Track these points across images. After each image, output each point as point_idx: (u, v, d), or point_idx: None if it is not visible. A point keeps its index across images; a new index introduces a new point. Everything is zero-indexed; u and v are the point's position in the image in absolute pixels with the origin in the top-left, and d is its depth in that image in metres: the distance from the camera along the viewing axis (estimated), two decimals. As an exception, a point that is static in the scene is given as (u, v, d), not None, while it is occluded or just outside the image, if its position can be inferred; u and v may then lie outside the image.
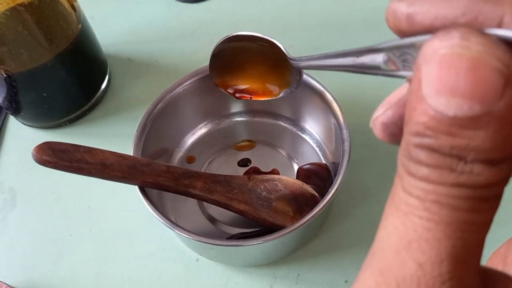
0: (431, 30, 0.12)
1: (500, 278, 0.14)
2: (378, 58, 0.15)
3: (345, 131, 0.32)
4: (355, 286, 0.13)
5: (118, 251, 0.36)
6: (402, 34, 0.13)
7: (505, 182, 0.11)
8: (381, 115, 0.15)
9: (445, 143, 0.11)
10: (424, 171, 0.11)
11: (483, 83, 0.10)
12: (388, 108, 0.15)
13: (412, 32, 0.13)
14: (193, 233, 0.29)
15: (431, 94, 0.11)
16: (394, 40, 0.13)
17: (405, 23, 0.13)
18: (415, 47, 0.12)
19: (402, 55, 0.13)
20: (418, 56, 0.11)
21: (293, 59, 0.27)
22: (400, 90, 0.16)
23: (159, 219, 0.29)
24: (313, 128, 0.39)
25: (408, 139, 0.12)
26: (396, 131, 0.15)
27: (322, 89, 0.34)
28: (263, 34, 0.29)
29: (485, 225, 0.12)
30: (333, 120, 0.34)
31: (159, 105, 0.35)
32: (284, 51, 0.28)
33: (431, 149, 0.11)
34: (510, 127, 0.11)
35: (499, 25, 0.11)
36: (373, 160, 0.38)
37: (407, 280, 0.12)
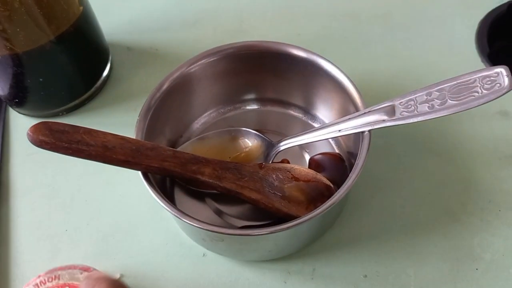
0: None
1: None
2: None
3: (364, 115, 0.30)
4: None
5: (118, 246, 0.33)
6: None
7: None
8: None
9: None
10: None
11: None
12: None
13: None
14: (202, 222, 0.27)
15: None
16: None
17: None
18: None
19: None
20: None
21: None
22: None
23: (165, 207, 0.27)
24: (325, 116, 0.37)
25: None
26: None
27: (338, 72, 0.32)
28: None
29: None
30: (351, 107, 0.32)
31: (163, 88, 0.33)
32: None
33: None
34: None
35: None
36: (390, 149, 0.36)
37: None
